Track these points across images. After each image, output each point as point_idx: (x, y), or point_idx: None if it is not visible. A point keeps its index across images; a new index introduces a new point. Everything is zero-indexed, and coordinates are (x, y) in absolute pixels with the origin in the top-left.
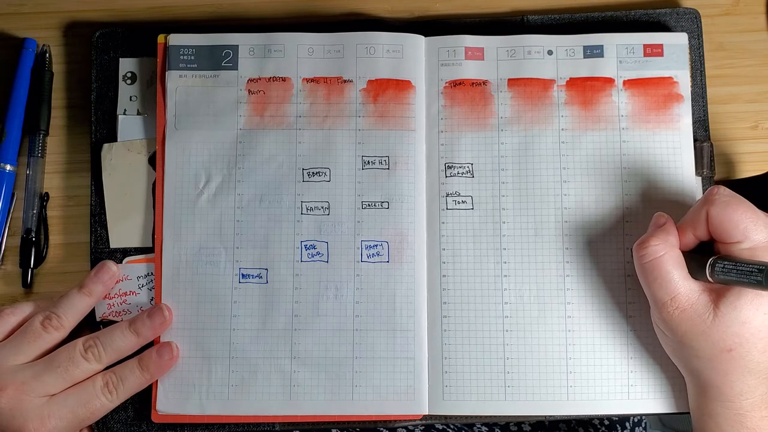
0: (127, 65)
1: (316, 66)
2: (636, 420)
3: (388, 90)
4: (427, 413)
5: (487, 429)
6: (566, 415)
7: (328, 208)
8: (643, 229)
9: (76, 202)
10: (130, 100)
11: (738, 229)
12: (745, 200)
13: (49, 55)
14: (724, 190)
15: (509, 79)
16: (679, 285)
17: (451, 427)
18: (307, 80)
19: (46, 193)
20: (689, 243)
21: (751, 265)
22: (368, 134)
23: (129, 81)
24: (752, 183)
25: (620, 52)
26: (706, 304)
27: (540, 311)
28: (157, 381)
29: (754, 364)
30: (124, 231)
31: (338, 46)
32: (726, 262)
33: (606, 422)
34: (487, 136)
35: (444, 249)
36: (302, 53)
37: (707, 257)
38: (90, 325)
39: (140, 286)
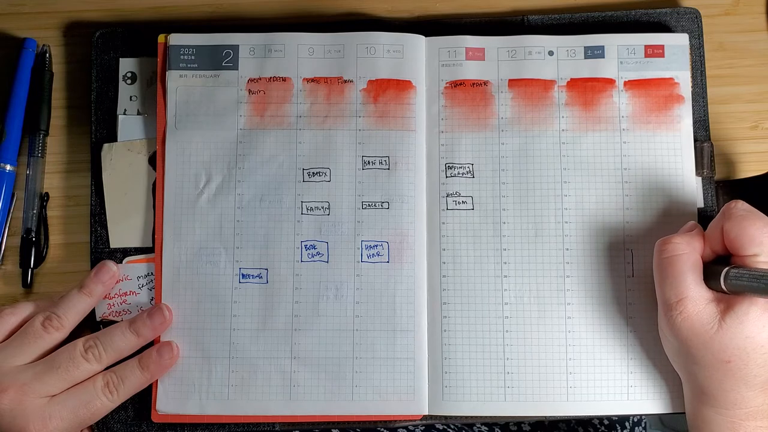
0: (127, 65)
1: (317, 66)
2: (636, 420)
3: (389, 90)
4: (426, 413)
5: (487, 429)
6: (566, 416)
7: (329, 208)
8: (643, 230)
9: (76, 202)
10: (130, 100)
11: (753, 243)
12: (763, 215)
13: (49, 55)
14: (742, 205)
15: (510, 80)
16: (690, 288)
17: (451, 427)
18: (308, 80)
19: (46, 193)
20: (706, 257)
21: (765, 271)
22: (368, 134)
23: (129, 81)
24: (752, 183)
25: (621, 53)
26: (712, 314)
27: (540, 312)
28: (157, 381)
29: (750, 377)
30: (124, 231)
31: (338, 46)
32: (741, 269)
33: (606, 422)
34: (488, 136)
35: (444, 249)
36: (302, 53)
37: (723, 267)
38: (90, 325)
39: (140, 286)
